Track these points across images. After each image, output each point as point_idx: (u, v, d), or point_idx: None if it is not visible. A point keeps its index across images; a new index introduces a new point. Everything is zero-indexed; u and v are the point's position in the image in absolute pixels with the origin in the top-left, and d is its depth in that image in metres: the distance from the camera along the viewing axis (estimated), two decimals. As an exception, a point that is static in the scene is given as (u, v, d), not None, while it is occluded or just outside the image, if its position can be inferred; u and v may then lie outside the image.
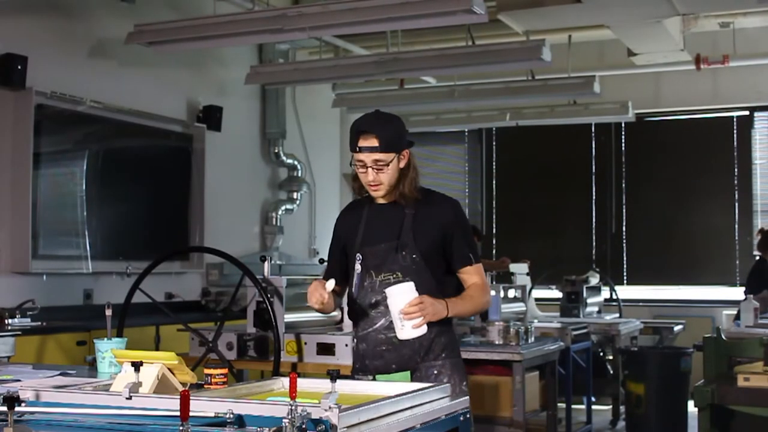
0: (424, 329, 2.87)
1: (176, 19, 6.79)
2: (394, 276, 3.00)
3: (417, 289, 2.90)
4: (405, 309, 2.83)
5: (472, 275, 3.09)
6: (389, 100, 8.97)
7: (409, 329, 2.85)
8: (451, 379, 3.00)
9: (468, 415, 2.64)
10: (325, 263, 4.75)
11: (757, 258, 7.87)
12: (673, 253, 9.67)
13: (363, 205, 3.14)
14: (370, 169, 2.97)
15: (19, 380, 2.86)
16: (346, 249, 3.14)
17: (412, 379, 2.95)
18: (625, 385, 6.99)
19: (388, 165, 2.96)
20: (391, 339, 2.98)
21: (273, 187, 9.32)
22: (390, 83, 9.05)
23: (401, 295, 2.85)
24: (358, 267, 3.07)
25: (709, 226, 9.57)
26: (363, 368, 3.05)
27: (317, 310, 3.06)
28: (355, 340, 3.13)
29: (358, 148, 2.97)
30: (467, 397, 2.69)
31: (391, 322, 2.93)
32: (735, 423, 4.46)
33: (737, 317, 7.21)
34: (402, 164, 3.01)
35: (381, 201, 3.08)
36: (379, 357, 3.01)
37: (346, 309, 4.47)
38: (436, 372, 3.01)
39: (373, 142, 2.94)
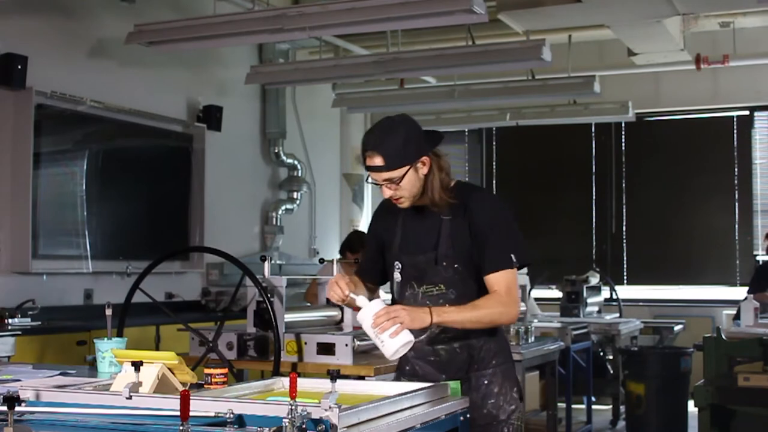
0: (406, 337, 2.59)
1: (176, 19, 6.79)
2: (437, 288, 2.82)
3: (462, 300, 2.75)
4: (374, 322, 2.57)
5: (496, 282, 2.77)
6: (389, 100, 8.97)
7: (389, 341, 2.57)
8: (502, 388, 2.88)
9: (468, 415, 2.64)
10: (325, 263, 4.77)
11: (760, 262, 7.90)
12: (672, 253, 9.67)
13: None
14: (384, 187, 2.75)
15: (19, 380, 2.86)
16: (383, 249, 2.95)
17: (462, 389, 2.77)
18: (625, 385, 6.99)
19: (401, 180, 2.72)
20: (438, 351, 2.87)
21: (273, 187, 9.31)
22: (390, 83, 9.04)
23: (369, 314, 2.60)
24: (398, 276, 2.89)
25: (709, 226, 9.57)
26: (413, 372, 2.91)
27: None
28: None
29: (366, 168, 2.74)
30: (467, 397, 2.69)
31: (436, 333, 2.83)
32: (735, 423, 4.47)
33: (736, 317, 7.23)
34: (423, 171, 2.75)
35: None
36: (428, 364, 2.89)
37: (346, 309, 4.47)
38: (486, 382, 2.87)
39: (378, 161, 2.69)
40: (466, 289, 2.80)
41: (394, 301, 2.91)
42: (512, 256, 2.79)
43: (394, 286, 2.95)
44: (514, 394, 2.91)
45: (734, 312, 7.54)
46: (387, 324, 2.57)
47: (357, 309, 2.75)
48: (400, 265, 2.88)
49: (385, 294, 3.18)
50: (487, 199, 2.89)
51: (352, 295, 2.71)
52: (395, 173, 2.70)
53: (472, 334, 2.83)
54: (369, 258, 3.03)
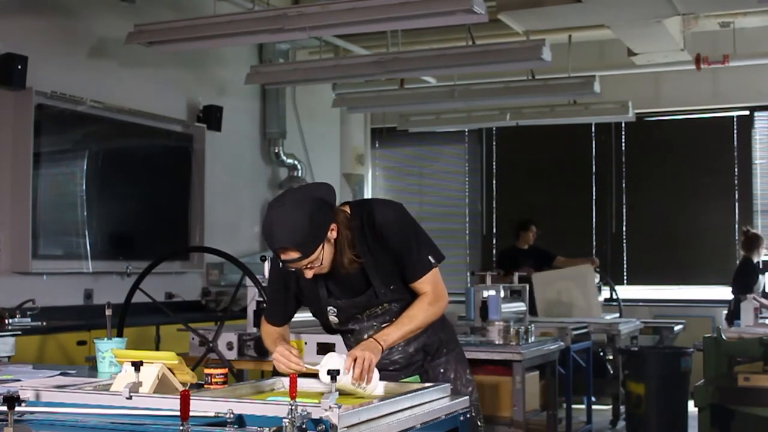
0: (377, 373, 2.67)
1: (176, 19, 6.78)
2: (381, 308, 2.88)
3: (405, 307, 2.84)
4: (354, 376, 2.58)
5: (423, 286, 2.85)
6: (389, 100, 8.98)
7: (370, 385, 2.63)
8: (456, 372, 3.01)
9: (468, 415, 2.64)
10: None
11: (743, 255, 7.99)
12: (673, 253, 9.66)
13: None
14: (305, 270, 2.70)
15: (19, 380, 2.86)
16: (299, 295, 2.93)
17: (422, 380, 2.87)
18: (625, 385, 6.99)
19: (320, 256, 2.66)
20: (397, 360, 2.95)
21: (273, 187, 9.31)
22: (390, 83, 9.05)
23: (336, 369, 2.50)
24: (334, 319, 2.91)
25: (709, 226, 9.57)
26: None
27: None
28: None
29: (282, 263, 2.66)
30: (467, 397, 2.69)
31: (394, 347, 2.89)
32: (735, 423, 4.46)
33: (728, 317, 7.25)
34: (334, 236, 2.70)
35: None
36: (389, 372, 2.93)
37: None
38: (442, 370, 2.99)
39: (294, 255, 2.61)
40: (410, 297, 2.88)
41: (337, 331, 2.99)
42: (430, 258, 2.86)
43: (332, 326, 2.97)
44: (468, 375, 3.04)
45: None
46: (364, 372, 2.60)
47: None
48: (335, 310, 2.89)
49: None
50: (390, 213, 2.84)
51: (307, 366, 2.68)
52: (314, 256, 2.64)
53: (422, 333, 2.92)
54: (277, 304, 2.99)
